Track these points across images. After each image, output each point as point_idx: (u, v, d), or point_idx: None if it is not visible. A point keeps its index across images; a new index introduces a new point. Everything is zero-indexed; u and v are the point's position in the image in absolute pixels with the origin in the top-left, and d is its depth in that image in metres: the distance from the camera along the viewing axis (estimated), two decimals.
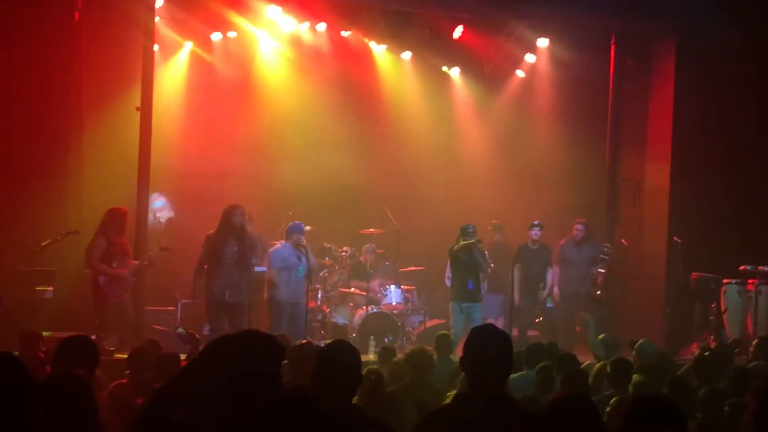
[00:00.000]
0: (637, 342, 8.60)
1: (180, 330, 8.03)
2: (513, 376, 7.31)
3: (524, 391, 6.67)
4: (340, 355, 4.00)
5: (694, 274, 12.37)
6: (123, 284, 10.49)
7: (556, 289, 12.89)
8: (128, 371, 6.79)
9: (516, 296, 12.28)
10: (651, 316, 12.86)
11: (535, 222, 12.80)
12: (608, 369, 7.09)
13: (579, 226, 12.97)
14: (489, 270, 12.10)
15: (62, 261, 10.74)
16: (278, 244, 11.68)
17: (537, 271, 12.71)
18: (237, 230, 10.75)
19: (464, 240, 11.52)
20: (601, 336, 9.02)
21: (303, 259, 11.32)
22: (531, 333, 12.74)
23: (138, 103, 11.28)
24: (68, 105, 11.32)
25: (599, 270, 12.75)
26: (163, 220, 14.20)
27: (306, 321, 11.36)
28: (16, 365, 3.47)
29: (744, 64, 12.54)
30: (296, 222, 11.62)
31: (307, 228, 11.93)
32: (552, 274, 12.86)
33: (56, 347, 5.23)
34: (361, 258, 13.34)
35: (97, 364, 5.25)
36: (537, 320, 12.99)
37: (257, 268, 11.50)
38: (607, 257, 12.77)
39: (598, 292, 12.73)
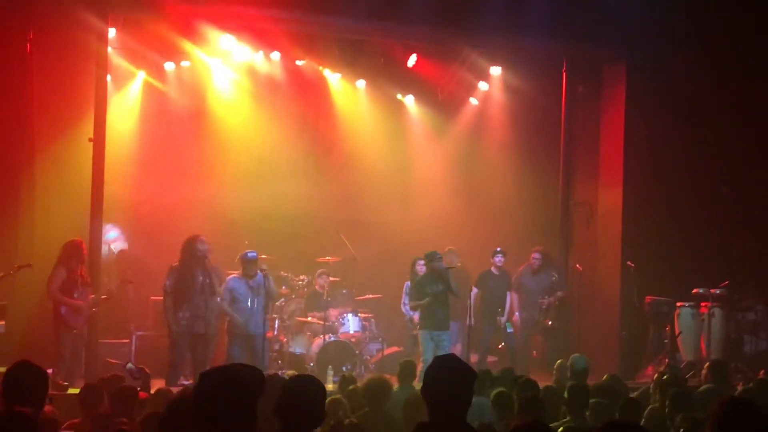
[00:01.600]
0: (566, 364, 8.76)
1: (130, 365, 7.97)
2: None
3: (480, 418, 6.69)
4: (306, 391, 3.99)
5: (648, 298, 12.52)
6: (84, 314, 10.41)
7: (516, 314, 12.98)
8: (81, 409, 6.68)
9: (472, 319, 12.34)
10: (606, 340, 12.96)
11: (498, 249, 12.89)
12: (565, 395, 7.13)
13: (536, 255, 13.09)
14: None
15: (14, 295, 10.55)
16: (230, 277, 11.55)
17: (498, 297, 12.80)
18: (201, 260, 10.69)
19: (430, 266, 11.53)
20: (559, 361, 9.10)
21: (258, 289, 11.24)
22: (490, 359, 12.79)
23: (91, 134, 11.20)
24: (20, 136, 11.15)
25: (548, 298, 12.87)
26: (116, 251, 14.04)
27: (265, 351, 11.29)
28: None
29: (692, 88, 12.76)
30: (248, 251, 11.53)
31: (263, 256, 11.85)
32: (510, 300, 12.95)
33: (2, 376, 5.07)
34: (316, 286, 13.30)
35: (46, 392, 5.13)
36: (500, 346, 13.04)
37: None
38: (555, 286, 12.90)
39: (549, 322, 12.86)
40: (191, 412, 3.58)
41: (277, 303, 12.61)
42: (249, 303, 11.29)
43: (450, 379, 3.87)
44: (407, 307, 12.82)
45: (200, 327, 10.60)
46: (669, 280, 12.46)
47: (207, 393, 3.51)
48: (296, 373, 4.66)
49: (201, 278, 10.69)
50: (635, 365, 12.44)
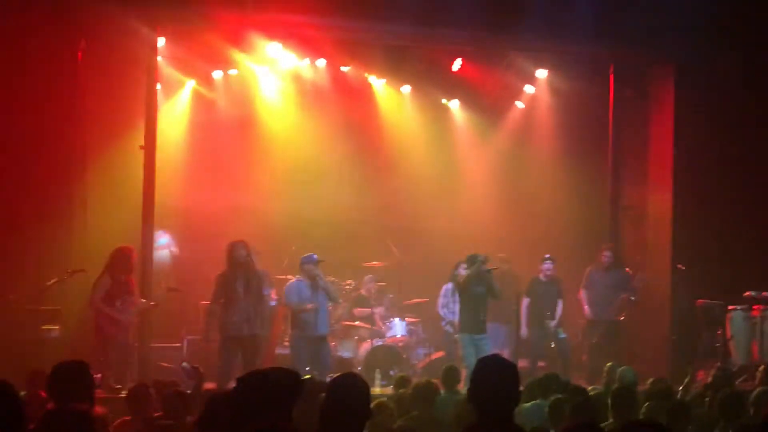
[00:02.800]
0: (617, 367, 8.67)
1: (185, 364, 8.09)
2: (525, 405, 7.32)
3: (533, 422, 6.67)
4: (350, 388, 4.01)
5: (699, 301, 12.38)
6: (120, 324, 10.52)
7: (586, 308, 12.80)
8: (129, 409, 6.78)
9: (523, 329, 12.28)
10: (657, 344, 12.83)
11: (547, 256, 12.74)
12: (610, 400, 7.06)
13: (607, 252, 12.88)
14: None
15: (68, 300, 10.76)
16: (293, 279, 11.70)
17: (547, 304, 12.65)
18: (243, 264, 10.82)
19: (472, 269, 11.50)
20: (608, 365, 9.02)
21: (320, 293, 11.36)
22: (540, 364, 12.68)
23: (141, 142, 11.41)
24: (72, 145, 11.40)
25: (630, 297, 12.69)
26: (169, 257, 14.25)
27: (328, 355, 11.51)
28: (9, 396, 3.44)
29: (742, 89, 12.61)
30: (308, 254, 11.65)
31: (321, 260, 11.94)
32: (560, 307, 12.78)
33: (50, 375, 5.19)
34: (362, 291, 13.36)
35: (93, 390, 5.23)
36: (551, 345, 12.74)
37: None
38: (631, 284, 12.71)
39: (621, 317, 12.68)
40: (227, 411, 3.69)
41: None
42: (315, 304, 11.42)
43: (495, 379, 3.86)
44: (445, 310, 12.83)
45: (247, 330, 10.70)
46: (720, 283, 12.31)
47: (245, 395, 3.59)
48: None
49: (245, 282, 10.81)
50: (685, 369, 12.27)
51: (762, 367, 8.93)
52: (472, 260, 11.48)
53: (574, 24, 12.15)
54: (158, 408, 6.68)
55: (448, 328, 12.93)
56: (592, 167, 14.08)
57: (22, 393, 7.26)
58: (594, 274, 12.93)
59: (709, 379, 8.06)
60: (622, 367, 8.82)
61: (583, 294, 12.85)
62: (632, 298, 12.67)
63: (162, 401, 6.68)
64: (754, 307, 12.04)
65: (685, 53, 12.82)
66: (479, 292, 11.43)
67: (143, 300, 10.80)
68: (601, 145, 13.75)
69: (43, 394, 7.22)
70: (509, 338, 12.86)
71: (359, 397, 3.99)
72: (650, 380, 8.75)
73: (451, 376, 8.87)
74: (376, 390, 11.13)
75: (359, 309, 13.13)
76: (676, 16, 12.34)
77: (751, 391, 8.17)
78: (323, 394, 4.05)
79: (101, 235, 11.31)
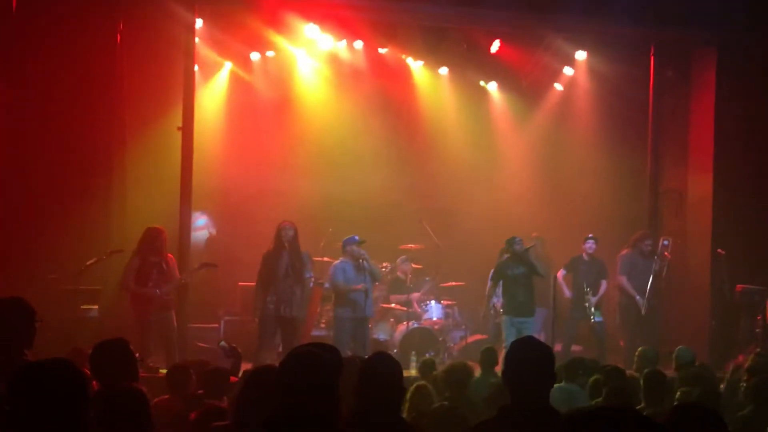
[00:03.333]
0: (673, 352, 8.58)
1: (222, 343, 8.13)
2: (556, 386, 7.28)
3: (570, 405, 6.64)
4: (382, 367, 4.02)
5: (739, 287, 12.21)
6: (153, 303, 10.55)
7: (638, 297, 12.47)
8: (169, 388, 6.84)
9: (566, 292, 12.22)
10: (695, 329, 12.70)
11: (590, 235, 12.62)
12: (641, 383, 7.01)
13: (648, 241, 12.61)
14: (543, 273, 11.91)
15: (107, 280, 10.88)
16: (338, 261, 11.73)
17: (588, 283, 12.48)
18: (288, 245, 10.85)
19: (510, 251, 11.47)
20: (640, 349, 8.95)
21: (366, 275, 11.41)
22: (575, 347, 12.60)
23: (179, 123, 11.47)
24: (111, 125, 11.50)
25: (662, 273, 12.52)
26: (205, 238, 14.35)
27: (368, 337, 11.53)
28: (74, 372, 3.46)
29: None
30: (350, 236, 11.68)
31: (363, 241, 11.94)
32: (604, 287, 12.65)
33: (92, 353, 5.22)
34: (398, 272, 13.37)
35: (136, 368, 5.27)
36: (592, 319, 12.52)
37: None
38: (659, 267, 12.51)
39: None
40: (267, 387, 3.69)
41: None
42: (364, 285, 11.45)
43: (528, 361, 3.84)
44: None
45: (287, 311, 10.76)
46: (761, 268, 12.14)
47: (290, 371, 3.59)
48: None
49: (287, 263, 10.84)
50: (726, 355, 12.14)
51: None
52: (509, 243, 11.48)
53: (614, 5, 11.99)
54: (197, 387, 6.73)
55: (492, 312, 12.85)
56: (631, 150, 13.94)
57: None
58: (637, 260, 12.62)
59: (747, 364, 7.95)
60: (680, 347, 8.72)
61: (624, 281, 12.58)
62: (663, 274, 12.45)
63: (202, 380, 6.73)
64: None
65: (726, 35, 12.63)
66: (517, 273, 11.41)
67: (168, 284, 10.76)
68: (640, 128, 13.60)
69: (88, 372, 7.34)
70: (546, 322, 12.79)
71: (392, 375, 4.00)
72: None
73: (488, 357, 8.85)
74: (411, 372, 11.14)
75: (395, 296, 13.14)
76: None
77: None
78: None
79: (140, 215, 11.42)
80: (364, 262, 11.40)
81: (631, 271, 12.53)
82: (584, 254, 12.62)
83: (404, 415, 4.37)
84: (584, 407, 3.99)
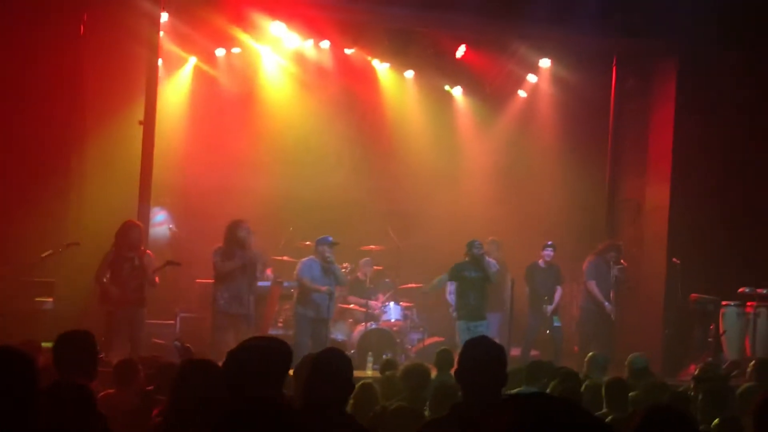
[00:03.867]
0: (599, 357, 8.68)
1: (176, 343, 8.11)
2: (509, 392, 7.32)
3: None
4: (331, 361, 4.03)
5: (693, 296, 12.38)
6: (119, 300, 10.31)
7: (607, 304, 12.63)
8: (116, 382, 6.77)
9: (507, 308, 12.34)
10: (649, 337, 12.83)
11: (549, 243, 12.75)
12: (603, 390, 7.07)
13: (613, 253, 12.64)
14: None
15: (62, 272, 10.76)
16: (306, 258, 11.72)
17: (546, 290, 12.63)
18: (242, 244, 10.83)
19: (468, 253, 11.53)
20: (590, 354, 9.04)
21: (332, 277, 11.41)
22: (533, 352, 12.70)
23: (141, 117, 11.37)
24: (71, 117, 11.40)
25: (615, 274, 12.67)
26: (168, 234, 14.23)
27: (327, 337, 11.49)
28: (22, 361, 3.41)
29: (743, 86, 12.60)
30: (323, 236, 11.67)
31: (306, 243, 11.96)
32: (559, 294, 12.78)
33: (55, 343, 5.16)
34: (358, 274, 13.38)
35: (96, 362, 5.22)
36: (547, 332, 12.69)
37: (259, 283, 11.57)
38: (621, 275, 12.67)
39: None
40: (205, 378, 3.69)
41: None
42: (329, 288, 11.46)
43: (481, 359, 3.88)
44: (452, 296, 12.82)
45: (240, 309, 10.72)
46: (715, 278, 12.31)
47: (236, 363, 3.59)
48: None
49: (241, 262, 10.82)
50: (679, 363, 12.31)
51: (752, 363, 8.92)
52: (469, 245, 11.54)
53: (579, 14, 12.11)
54: (147, 383, 6.68)
55: (454, 314, 12.89)
56: (592, 158, 14.10)
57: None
58: (602, 266, 12.74)
59: (697, 372, 8.06)
60: (634, 354, 8.81)
61: (594, 286, 12.61)
62: (616, 275, 12.62)
63: (153, 375, 6.68)
64: (748, 303, 12.03)
65: (688, 47, 12.82)
66: (473, 276, 11.48)
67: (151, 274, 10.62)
68: (601, 136, 13.76)
69: (40, 363, 7.25)
70: (502, 325, 12.87)
71: (341, 370, 4.01)
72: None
73: (443, 359, 8.88)
74: (368, 373, 11.15)
75: (354, 297, 13.15)
76: (680, 10, 12.30)
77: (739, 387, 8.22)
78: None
79: (98, 209, 11.31)
80: (331, 264, 11.40)
81: (598, 277, 12.67)
82: (541, 261, 12.75)
83: (348, 410, 4.36)
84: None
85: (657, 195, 13.32)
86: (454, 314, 12.64)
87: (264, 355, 3.66)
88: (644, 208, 13.66)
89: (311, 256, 11.68)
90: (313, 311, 11.40)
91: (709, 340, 12.12)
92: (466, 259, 11.66)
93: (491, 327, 12.68)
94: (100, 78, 11.56)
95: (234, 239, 10.81)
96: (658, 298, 12.98)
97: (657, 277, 13.05)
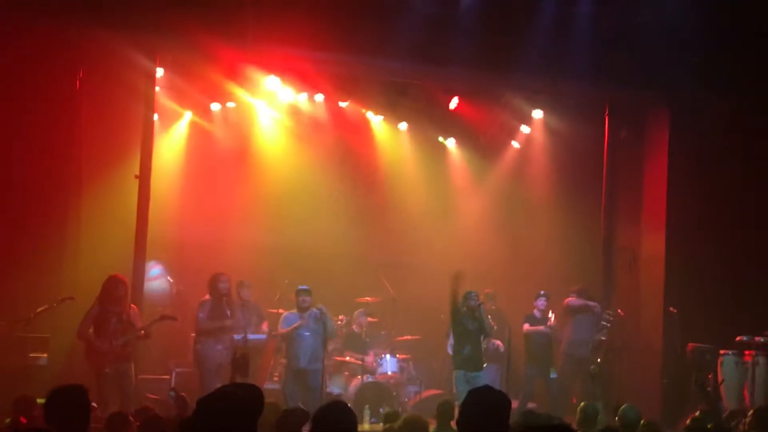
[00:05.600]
0: (620, 407, 8.55)
1: (171, 393, 8.07)
2: None
3: None
4: (337, 416, 3.98)
5: (691, 345, 12.32)
6: (109, 355, 10.21)
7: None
8: None
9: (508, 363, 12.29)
10: (648, 387, 12.77)
11: (541, 292, 12.78)
12: None
13: (573, 295, 13.00)
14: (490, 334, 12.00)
15: (57, 328, 10.68)
16: (287, 312, 11.81)
17: (547, 341, 12.66)
18: (226, 296, 10.96)
19: (465, 305, 11.46)
20: (581, 405, 8.95)
21: (318, 326, 11.41)
22: (530, 405, 12.60)
23: (137, 171, 11.42)
24: (67, 171, 11.39)
25: (601, 337, 12.69)
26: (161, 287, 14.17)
27: (321, 387, 11.42)
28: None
29: (736, 134, 12.70)
30: (301, 285, 11.78)
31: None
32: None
33: (48, 398, 5.11)
34: (354, 326, 13.32)
35: (87, 417, 5.15)
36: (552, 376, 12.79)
37: (252, 336, 11.54)
38: (608, 324, 12.71)
39: (599, 359, 12.67)
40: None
41: None
42: (300, 338, 11.41)
43: (485, 409, 3.85)
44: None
45: (228, 359, 10.69)
46: (712, 327, 12.26)
47: (207, 413, 3.52)
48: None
49: (228, 312, 11.02)
50: (677, 413, 12.21)
51: (751, 412, 8.84)
52: (465, 297, 11.48)
53: (571, 64, 12.23)
54: None
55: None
56: (586, 207, 14.12)
57: (7, 420, 7.23)
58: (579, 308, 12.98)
59: (688, 422, 7.99)
60: (624, 406, 8.73)
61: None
62: (602, 338, 12.63)
63: (143, 427, 6.62)
64: (746, 352, 11.95)
65: (680, 96, 12.94)
66: (471, 329, 11.41)
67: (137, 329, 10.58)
68: (595, 186, 13.80)
69: (24, 420, 7.19)
70: (500, 377, 12.79)
71: (345, 425, 3.97)
72: (643, 422, 8.67)
73: (445, 411, 8.79)
74: (365, 427, 11.06)
75: (352, 350, 13.08)
76: (671, 59, 12.44)
77: None
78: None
79: (93, 263, 11.26)
80: (323, 315, 11.38)
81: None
82: (536, 311, 12.75)
83: None
84: None
85: (653, 243, 13.34)
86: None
87: (234, 403, 3.57)
88: (640, 257, 13.66)
89: (292, 310, 11.72)
90: (303, 361, 11.37)
91: (708, 389, 12.03)
92: (463, 309, 11.58)
93: (488, 378, 12.61)
94: (96, 132, 11.61)
95: (216, 292, 11.05)
96: (656, 348, 12.93)
97: (654, 326, 13.02)
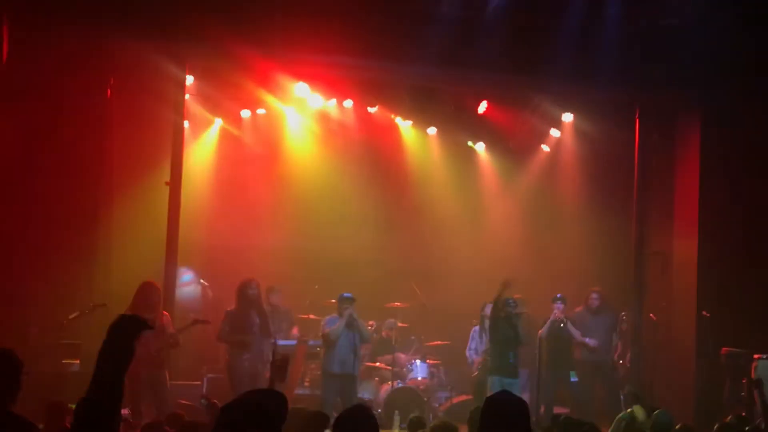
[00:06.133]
0: (654, 409, 8.48)
1: (203, 401, 8.09)
2: None
3: None
4: (357, 420, 3.98)
5: (724, 349, 12.18)
6: (143, 361, 10.00)
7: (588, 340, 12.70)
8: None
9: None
10: (681, 392, 12.65)
11: (558, 296, 12.68)
12: None
13: (594, 294, 12.87)
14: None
15: (89, 334, 10.73)
16: (329, 316, 11.75)
17: (564, 345, 12.56)
18: (255, 302, 10.94)
19: (505, 313, 11.38)
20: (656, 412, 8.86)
21: (355, 332, 11.38)
22: (558, 409, 12.49)
23: (168, 178, 11.50)
24: (99, 179, 11.51)
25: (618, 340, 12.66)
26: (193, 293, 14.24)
27: (355, 395, 11.38)
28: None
29: (766, 137, 12.55)
30: (345, 293, 11.66)
31: (332, 301, 11.96)
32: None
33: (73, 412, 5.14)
34: (383, 334, 13.32)
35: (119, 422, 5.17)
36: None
37: (282, 342, 11.56)
38: (624, 325, 12.65)
39: (620, 361, 12.62)
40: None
41: None
42: (340, 344, 11.37)
43: (504, 415, 3.83)
44: (471, 352, 12.70)
45: (261, 368, 10.70)
46: (746, 331, 12.11)
47: (228, 422, 3.51)
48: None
49: (257, 320, 10.93)
50: (712, 418, 12.07)
51: None
52: (505, 304, 11.38)
53: (600, 68, 12.13)
54: None
55: (475, 370, 12.75)
56: (617, 212, 14.03)
57: (41, 426, 7.30)
58: (582, 317, 12.86)
59: (716, 427, 7.90)
60: (658, 411, 8.65)
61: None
62: (618, 341, 12.56)
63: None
64: None
65: (712, 99, 12.80)
66: (510, 335, 11.33)
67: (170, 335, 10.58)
68: (626, 190, 13.69)
69: (67, 425, 7.25)
70: (530, 382, 12.72)
71: (366, 428, 3.96)
72: (677, 426, 8.59)
73: (476, 418, 8.70)
74: None
75: (382, 356, 13.06)
76: (702, 61, 12.30)
77: None
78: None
79: (125, 270, 11.37)
80: (355, 321, 11.36)
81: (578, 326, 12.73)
82: (553, 316, 12.66)
83: None
84: None
85: (685, 248, 13.21)
86: (476, 370, 12.51)
87: (256, 411, 3.55)
88: (672, 261, 13.54)
89: (334, 314, 11.68)
90: (338, 367, 11.32)
91: (742, 394, 11.89)
92: (502, 315, 11.48)
93: (521, 384, 12.55)
94: (127, 140, 11.74)
95: (245, 298, 10.99)
96: (689, 352, 12.81)
97: (687, 330, 12.89)
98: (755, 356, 11.92)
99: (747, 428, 7.41)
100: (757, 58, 12.31)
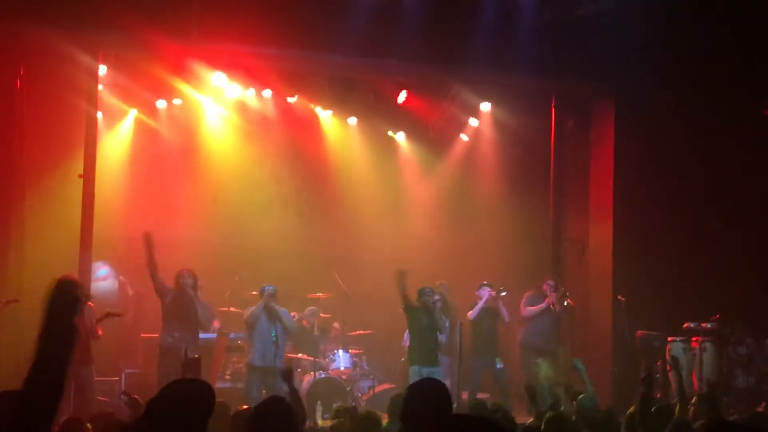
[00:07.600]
0: (579, 394, 8.61)
1: (123, 397, 7.93)
2: None
3: None
4: (273, 410, 3.95)
5: (639, 332, 12.48)
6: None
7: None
8: None
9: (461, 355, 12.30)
10: (598, 375, 12.83)
11: (484, 282, 12.80)
12: (542, 426, 7.01)
13: (551, 282, 12.90)
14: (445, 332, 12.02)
15: (2, 329, 10.48)
16: (252, 308, 11.64)
17: (487, 330, 12.67)
18: (186, 292, 10.87)
19: (420, 300, 11.42)
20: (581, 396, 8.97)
21: (277, 323, 11.27)
22: (481, 395, 12.63)
23: (81, 170, 11.22)
24: (10, 171, 11.18)
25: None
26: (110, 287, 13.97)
27: (279, 385, 11.26)
28: None
29: (681, 123, 12.86)
30: (266, 286, 11.57)
31: (253, 293, 11.86)
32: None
33: None
34: (304, 322, 13.25)
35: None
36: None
37: (202, 335, 11.43)
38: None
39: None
40: None
41: None
42: (266, 335, 11.29)
43: (426, 402, 3.84)
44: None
45: (191, 352, 10.57)
46: (660, 314, 12.43)
47: (158, 410, 3.45)
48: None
49: (190, 308, 10.89)
50: (629, 400, 12.33)
51: (694, 399, 8.95)
52: (420, 293, 11.44)
53: (517, 56, 12.31)
54: None
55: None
56: (535, 198, 14.22)
57: None
58: (535, 299, 12.95)
59: (632, 408, 8.07)
60: (582, 395, 8.78)
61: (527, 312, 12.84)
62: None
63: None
64: (693, 338, 12.15)
65: (625, 87, 13.07)
66: (427, 323, 11.38)
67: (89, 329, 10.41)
68: (543, 177, 13.90)
69: None
70: (451, 369, 12.81)
71: (282, 420, 3.93)
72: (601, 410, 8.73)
73: (397, 405, 8.72)
74: (318, 423, 11.01)
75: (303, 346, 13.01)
76: (617, 51, 12.55)
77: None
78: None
79: (38, 264, 11.05)
80: (275, 311, 11.30)
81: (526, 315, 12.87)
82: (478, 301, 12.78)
83: None
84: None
85: (600, 233, 13.47)
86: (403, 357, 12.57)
87: (185, 401, 3.47)
88: (589, 247, 13.79)
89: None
90: (260, 359, 11.23)
91: (656, 376, 12.19)
92: (418, 305, 11.51)
93: (442, 372, 12.61)
94: (38, 131, 11.39)
95: (180, 288, 10.96)
96: (605, 336, 13.06)
97: (604, 315, 13.15)
98: (669, 339, 12.27)
99: (655, 406, 7.55)
100: (671, 48, 12.60)
